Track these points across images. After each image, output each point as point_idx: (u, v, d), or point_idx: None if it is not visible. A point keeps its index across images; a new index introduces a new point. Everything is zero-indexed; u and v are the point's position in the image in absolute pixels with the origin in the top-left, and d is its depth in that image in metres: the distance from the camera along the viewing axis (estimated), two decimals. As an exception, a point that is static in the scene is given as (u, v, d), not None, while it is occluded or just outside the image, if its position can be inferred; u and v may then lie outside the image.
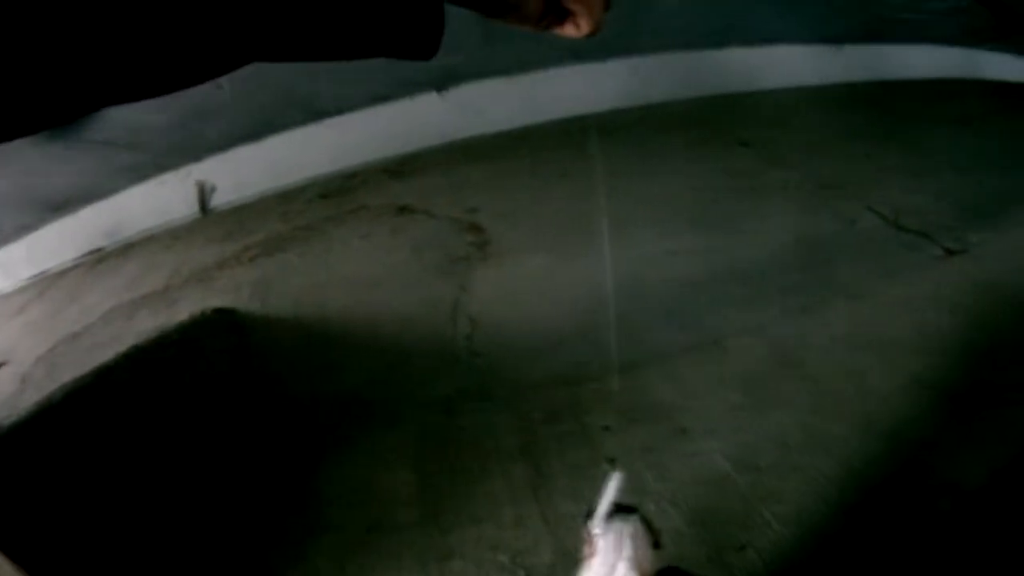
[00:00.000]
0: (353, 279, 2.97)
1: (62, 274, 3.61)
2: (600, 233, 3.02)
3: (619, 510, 1.21)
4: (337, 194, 3.70)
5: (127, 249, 3.65)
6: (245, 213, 3.70)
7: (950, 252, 2.39)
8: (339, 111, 3.90)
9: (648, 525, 1.21)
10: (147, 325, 2.76)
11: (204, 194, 3.79)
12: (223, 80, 1.82)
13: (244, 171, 3.90)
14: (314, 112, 3.88)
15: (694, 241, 2.83)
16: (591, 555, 1.12)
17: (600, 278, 2.76)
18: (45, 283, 3.50)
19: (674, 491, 1.86)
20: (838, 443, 1.87)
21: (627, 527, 1.13)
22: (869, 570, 1.59)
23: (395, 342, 2.54)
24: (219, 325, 2.74)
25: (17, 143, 0.44)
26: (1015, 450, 1.75)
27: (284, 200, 3.74)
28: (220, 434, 2.23)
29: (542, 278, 2.78)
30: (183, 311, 2.79)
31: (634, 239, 2.92)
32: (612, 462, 1.97)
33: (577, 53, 4.00)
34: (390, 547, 1.81)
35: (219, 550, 1.88)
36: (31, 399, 2.24)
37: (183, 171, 3.87)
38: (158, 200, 3.85)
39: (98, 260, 3.62)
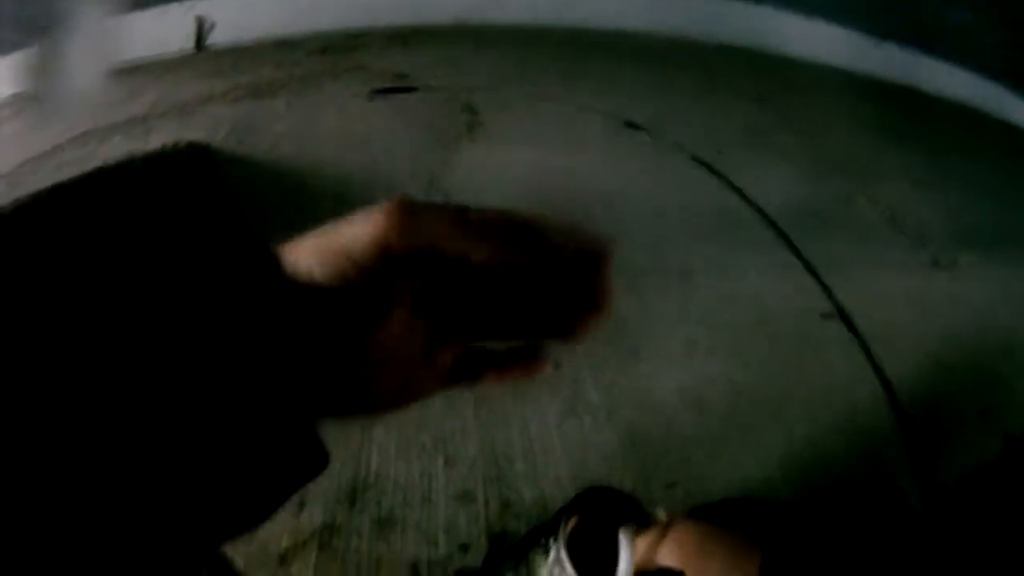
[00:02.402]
0: (336, 135, 2.74)
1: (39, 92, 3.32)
2: (592, 139, 2.83)
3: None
4: (338, 51, 3.40)
5: (114, 75, 3.36)
6: (240, 55, 3.40)
7: (937, 264, 2.23)
8: (355, -34, 3.57)
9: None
10: (118, 151, 2.54)
11: (202, 30, 3.47)
12: None
13: (247, 13, 3.58)
14: (328, -37, 3.55)
15: (685, 175, 2.60)
16: None
17: (583, 183, 2.58)
18: (24, 102, 3.21)
19: (613, 409, 1.68)
20: (791, 408, 1.71)
21: None
22: (794, 538, 1.44)
23: (364, 202, 2.31)
24: (190, 158, 2.52)
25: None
26: (961, 471, 1.61)
27: (282, 48, 3.44)
28: (172, 261, 2.03)
29: (525, 170, 2.55)
30: (157, 141, 2.57)
31: (624, 155, 2.69)
32: (557, 366, 1.78)
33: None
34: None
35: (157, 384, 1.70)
36: (-17, 216, 2.04)
37: (187, 4, 3.53)
38: (157, 30, 3.53)
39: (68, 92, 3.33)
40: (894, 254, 2.26)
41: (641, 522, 0.94)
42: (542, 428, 1.62)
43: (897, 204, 2.48)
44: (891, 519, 1.49)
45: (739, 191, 2.47)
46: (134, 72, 3.34)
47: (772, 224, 2.31)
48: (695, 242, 2.23)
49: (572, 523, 0.94)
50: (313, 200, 2.36)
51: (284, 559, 1.35)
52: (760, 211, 2.37)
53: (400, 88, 3.02)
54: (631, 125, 2.86)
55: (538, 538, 0.96)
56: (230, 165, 2.52)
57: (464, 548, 1.37)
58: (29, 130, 2.90)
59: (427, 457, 1.54)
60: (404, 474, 1.50)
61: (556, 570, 0.91)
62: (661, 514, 0.99)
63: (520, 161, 2.60)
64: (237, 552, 1.36)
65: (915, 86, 3.91)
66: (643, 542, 0.89)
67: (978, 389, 1.83)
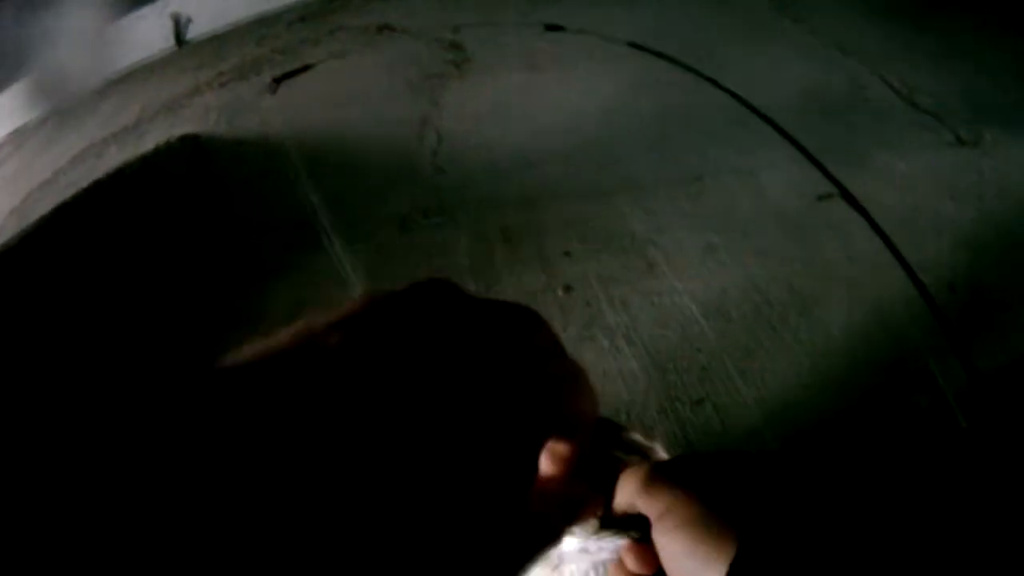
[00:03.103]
0: (324, 98, 2.64)
1: (40, 124, 3.31)
2: (585, 57, 2.65)
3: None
4: (317, 16, 3.29)
5: (102, 90, 3.32)
6: (221, 41, 3.31)
7: (961, 141, 1.98)
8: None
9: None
10: (116, 161, 2.51)
11: (179, 26, 3.38)
12: None
13: (220, 1, 3.47)
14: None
15: (686, 74, 2.40)
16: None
17: (580, 103, 2.41)
18: (21, 137, 3.20)
19: (632, 328, 1.56)
20: (820, 307, 1.56)
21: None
22: (830, 449, 1.31)
23: (359, 159, 2.24)
24: (182, 152, 2.48)
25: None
26: (1001, 357, 1.42)
27: (262, 25, 3.33)
28: (171, 257, 1.98)
29: (519, 98, 2.40)
30: (150, 142, 2.54)
31: (620, 63, 2.50)
32: (568, 289, 1.66)
33: None
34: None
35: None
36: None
37: (159, 4, 3.44)
38: (136, 36, 3.45)
39: (73, 104, 3.30)
40: (914, 135, 2.02)
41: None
42: (559, 356, 1.51)
43: (913, 84, 2.23)
44: (926, 436, 1.33)
45: (727, 90, 2.27)
46: (120, 82, 3.31)
47: (764, 118, 2.11)
48: (701, 147, 2.06)
49: None
50: (308, 167, 2.28)
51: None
52: (750, 106, 2.17)
53: (300, 69, 2.89)
54: (632, 45, 2.66)
55: None
56: (222, 151, 2.46)
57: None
58: (28, 163, 2.90)
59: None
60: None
61: None
62: (659, 451, 0.85)
63: (512, 89, 2.45)
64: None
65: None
66: (630, 482, 0.76)
67: (1017, 269, 1.62)
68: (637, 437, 0.82)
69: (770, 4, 2.86)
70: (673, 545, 0.66)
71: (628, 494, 0.73)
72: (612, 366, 1.48)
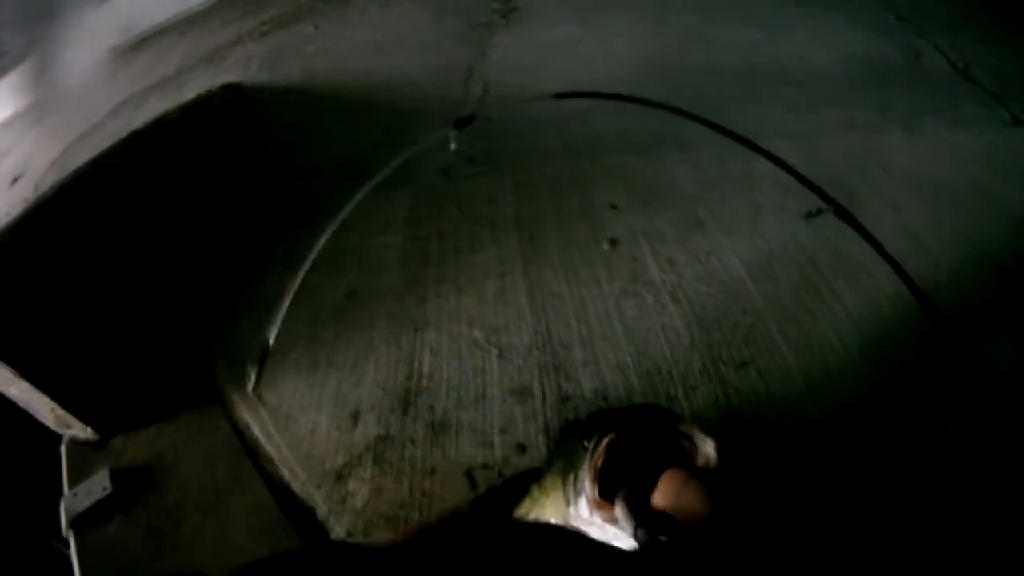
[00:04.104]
0: (367, 45, 2.58)
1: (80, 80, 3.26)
2: (638, 9, 2.56)
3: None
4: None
5: (141, 43, 3.26)
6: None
7: (1018, 121, 1.87)
8: None
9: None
10: (156, 110, 2.46)
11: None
12: None
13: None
14: None
15: (741, 34, 2.31)
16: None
17: (632, 56, 2.33)
18: (65, 92, 3.15)
19: (677, 286, 1.51)
20: (870, 278, 1.49)
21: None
22: (874, 425, 1.24)
23: (404, 106, 2.19)
24: (224, 100, 2.43)
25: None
26: None
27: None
28: (214, 205, 1.94)
29: (569, 50, 2.32)
30: (191, 92, 2.47)
31: (674, 23, 2.41)
32: (614, 243, 1.61)
33: None
34: (364, 315, 1.54)
35: (202, 309, 1.63)
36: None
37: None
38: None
39: (111, 58, 3.24)
40: (970, 109, 1.93)
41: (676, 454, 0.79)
42: (600, 311, 1.47)
43: (971, 55, 2.13)
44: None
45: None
46: (160, 35, 3.25)
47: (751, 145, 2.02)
48: (756, 106, 1.99)
49: (611, 438, 0.81)
50: (353, 113, 2.23)
51: (340, 476, 1.26)
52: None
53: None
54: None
55: (582, 435, 0.84)
56: (265, 98, 2.41)
57: (521, 448, 1.25)
58: (67, 116, 2.87)
59: (480, 352, 1.42)
60: (457, 374, 1.39)
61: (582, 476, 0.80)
62: (710, 449, 0.81)
63: (559, 41, 2.38)
64: (293, 472, 1.28)
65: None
66: (672, 481, 0.74)
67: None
68: (690, 429, 0.79)
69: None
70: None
71: (666, 494, 0.72)
72: (656, 323, 1.43)
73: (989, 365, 1.30)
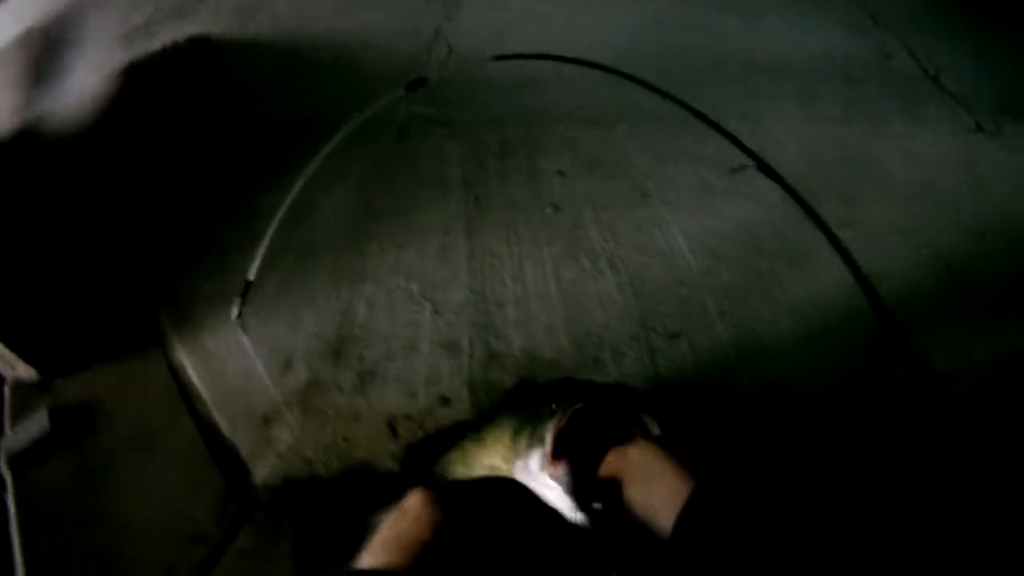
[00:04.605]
0: (338, 3, 2.54)
1: (48, 26, 3.21)
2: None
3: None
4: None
5: None
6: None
7: (981, 129, 1.88)
8: None
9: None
10: (122, 61, 2.45)
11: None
12: None
13: None
14: None
15: (706, 18, 2.30)
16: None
17: (601, 28, 2.33)
18: (30, 38, 3.11)
19: (616, 254, 1.53)
20: (814, 263, 1.51)
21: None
22: (802, 405, 1.27)
23: (368, 65, 2.16)
24: (190, 53, 2.41)
25: None
26: (1000, 351, 1.35)
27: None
28: (173, 155, 1.93)
29: (534, 20, 2.31)
30: (158, 44, 2.45)
31: (640, 4, 2.39)
32: (556, 208, 1.63)
33: None
34: (308, 267, 1.55)
35: (152, 257, 1.63)
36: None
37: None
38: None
39: (83, 8, 3.18)
40: (936, 114, 1.93)
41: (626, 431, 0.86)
42: (538, 273, 1.49)
43: (942, 61, 2.13)
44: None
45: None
46: None
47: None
48: (720, 90, 1.99)
49: (579, 406, 0.89)
50: (318, 69, 2.22)
51: (267, 419, 1.28)
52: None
53: None
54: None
55: (547, 399, 0.92)
56: (233, 52, 2.38)
57: (445, 400, 1.27)
58: (36, 64, 2.82)
59: (414, 306, 1.44)
60: (390, 325, 1.40)
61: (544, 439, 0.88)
62: (654, 427, 0.88)
63: (526, 10, 2.37)
64: (223, 415, 1.30)
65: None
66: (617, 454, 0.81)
67: (1018, 263, 1.53)
68: (650, 422, 0.86)
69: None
70: (639, 497, 0.71)
71: (610, 464, 0.78)
72: (591, 288, 1.45)
73: (926, 362, 1.32)
